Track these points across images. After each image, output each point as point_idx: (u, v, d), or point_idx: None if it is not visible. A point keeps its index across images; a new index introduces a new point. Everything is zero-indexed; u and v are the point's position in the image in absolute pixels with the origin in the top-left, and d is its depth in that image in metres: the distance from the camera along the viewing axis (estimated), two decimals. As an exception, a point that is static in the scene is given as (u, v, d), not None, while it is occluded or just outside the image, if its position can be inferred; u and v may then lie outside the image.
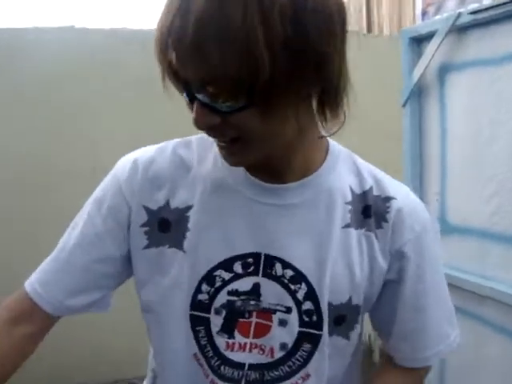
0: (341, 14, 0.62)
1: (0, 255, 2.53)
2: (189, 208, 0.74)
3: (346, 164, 0.78)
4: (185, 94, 0.62)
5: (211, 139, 0.70)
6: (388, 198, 0.76)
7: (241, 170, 0.74)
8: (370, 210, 0.75)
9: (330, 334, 0.76)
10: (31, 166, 2.63)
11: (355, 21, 4.06)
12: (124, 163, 0.78)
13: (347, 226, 0.74)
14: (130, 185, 0.76)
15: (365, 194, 0.76)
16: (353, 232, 0.75)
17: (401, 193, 0.78)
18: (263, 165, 0.72)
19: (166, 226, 0.75)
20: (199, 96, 0.60)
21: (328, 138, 0.76)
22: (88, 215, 0.77)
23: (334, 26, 0.60)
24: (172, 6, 0.57)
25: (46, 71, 2.56)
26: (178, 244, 0.74)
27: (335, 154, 0.77)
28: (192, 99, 0.61)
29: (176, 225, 0.75)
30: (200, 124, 0.62)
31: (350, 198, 0.75)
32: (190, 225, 0.74)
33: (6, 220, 2.58)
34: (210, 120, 0.61)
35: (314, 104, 0.66)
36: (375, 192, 0.76)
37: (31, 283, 0.78)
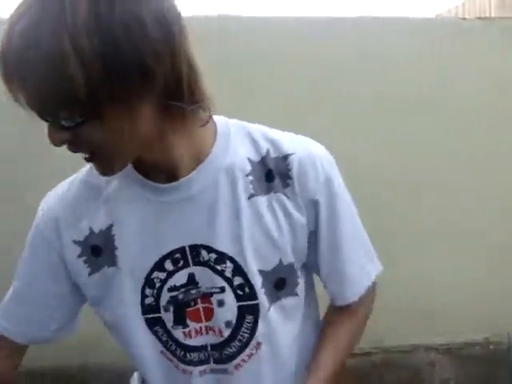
0: (162, 19, 0.63)
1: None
2: (110, 227, 0.80)
3: (239, 137, 0.81)
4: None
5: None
6: (286, 156, 0.79)
7: (141, 180, 0.79)
8: (273, 173, 0.79)
9: (274, 299, 0.81)
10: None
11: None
12: (40, 213, 0.84)
13: (252, 195, 0.78)
14: (51, 230, 0.82)
15: (263, 160, 0.80)
16: (260, 199, 0.79)
17: (298, 146, 0.81)
18: (154, 169, 0.77)
19: (98, 250, 0.81)
20: (46, 116, 0.65)
21: (216, 116, 0.79)
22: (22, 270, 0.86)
23: (151, 33, 0.61)
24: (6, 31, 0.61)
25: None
26: (113, 263, 0.80)
27: (225, 133, 0.80)
28: (43, 120, 0.66)
29: (105, 246, 0.80)
30: (52, 140, 0.66)
31: (249, 168, 0.79)
32: (116, 243, 0.80)
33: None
34: (60, 136, 0.66)
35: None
36: (273, 154, 0.80)
37: None
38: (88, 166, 0.82)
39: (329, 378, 0.86)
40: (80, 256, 0.81)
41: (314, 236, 0.84)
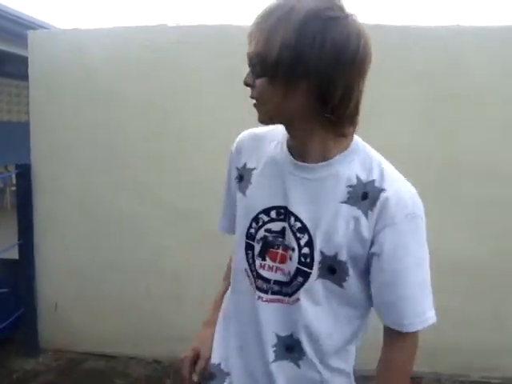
0: (356, 53, 0.91)
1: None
2: (253, 169, 1.13)
3: (361, 159, 1.02)
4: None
5: (281, 134, 1.09)
6: (382, 190, 0.98)
7: (285, 153, 1.08)
8: (368, 195, 0.99)
9: (323, 277, 1.02)
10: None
11: None
12: (234, 144, 1.22)
13: (344, 202, 1.00)
14: (232, 156, 1.21)
15: (368, 183, 1.00)
16: (346, 207, 0.99)
17: (393, 186, 0.99)
18: (294, 149, 1.05)
19: (241, 178, 1.16)
20: (248, 63, 0.96)
21: (358, 138, 1.05)
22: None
23: (342, 59, 0.91)
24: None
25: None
26: (243, 192, 1.14)
27: (354, 151, 1.03)
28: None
29: (246, 179, 1.14)
30: (244, 79, 0.98)
31: (354, 183, 1.00)
32: (252, 179, 1.13)
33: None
34: (247, 79, 0.98)
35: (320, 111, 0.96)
36: (377, 184, 0.99)
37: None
38: (275, 126, 1.11)
39: None
40: (235, 178, 1.18)
41: (373, 259, 0.99)
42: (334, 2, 0.92)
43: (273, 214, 1.07)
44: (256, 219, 1.09)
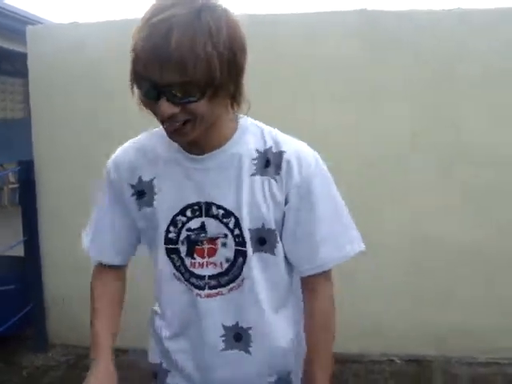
0: (244, 48, 0.95)
1: None
2: (153, 179, 1.11)
3: (253, 133, 1.09)
4: (151, 94, 0.91)
5: (157, 137, 1.11)
6: (281, 152, 1.07)
7: (179, 150, 1.08)
8: (270, 162, 1.07)
9: (257, 250, 1.08)
10: None
11: None
12: (109, 164, 1.16)
13: (253, 174, 1.06)
14: (118, 175, 1.14)
15: (266, 152, 1.07)
16: (257, 178, 1.06)
17: (291, 148, 1.08)
18: (192, 144, 1.04)
19: (143, 193, 1.12)
20: (167, 95, 0.89)
21: (241, 116, 1.09)
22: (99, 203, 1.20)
23: (244, 47, 0.95)
24: (154, 34, 0.86)
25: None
26: (151, 204, 1.10)
27: (243, 129, 1.08)
28: (158, 97, 0.91)
29: (147, 192, 1.11)
30: (166, 114, 0.92)
31: (256, 155, 1.07)
32: (155, 189, 1.10)
33: None
34: (174, 110, 0.91)
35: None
36: (274, 150, 1.08)
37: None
38: (140, 135, 1.16)
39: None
40: (132, 196, 1.12)
41: (286, 214, 1.09)
42: None
43: (188, 212, 1.08)
44: (173, 223, 1.09)
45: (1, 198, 9.77)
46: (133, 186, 1.12)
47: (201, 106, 0.92)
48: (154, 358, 1.26)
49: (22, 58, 3.21)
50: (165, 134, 1.01)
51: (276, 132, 1.11)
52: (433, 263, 2.89)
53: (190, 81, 0.87)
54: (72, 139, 3.16)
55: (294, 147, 1.08)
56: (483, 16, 2.79)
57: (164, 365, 1.24)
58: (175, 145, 1.07)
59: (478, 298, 2.89)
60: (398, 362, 2.98)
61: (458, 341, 2.94)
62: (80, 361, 3.16)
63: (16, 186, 10.12)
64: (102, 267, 1.24)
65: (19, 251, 3.24)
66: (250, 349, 1.13)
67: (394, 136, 2.86)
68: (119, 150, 1.17)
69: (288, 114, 2.80)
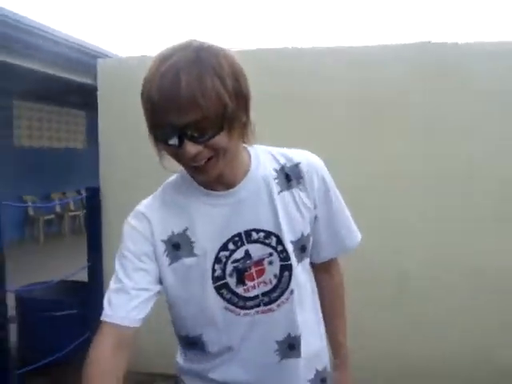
0: (247, 86, 1.02)
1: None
2: (186, 229, 1.11)
3: (264, 156, 1.16)
4: (173, 139, 0.96)
5: (177, 181, 1.15)
6: (296, 165, 1.16)
7: (203, 191, 1.11)
8: (290, 176, 1.15)
9: (300, 260, 1.16)
10: None
11: None
12: (137, 219, 1.13)
13: (280, 191, 1.14)
14: (147, 230, 1.12)
15: (282, 169, 1.16)
16: (286, 193, 1.14)
17: (302, 158, 1.17)
18: (216, 180, 1.08)
19: (177, 246, 1.11)
20: (188, 136, 0.95)
21: (250, 146, 1.14)
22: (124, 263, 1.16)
23: (245, 75, 1.01)
24: (164, 82, 0.93)
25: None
26: (192, 254, 1.11)
27: (255, 154, 1.15)
28: (181, 141, 0.95)
29: (183, 243, 1.11)
30: (192, 155, 0.96)
31: (275, 175, 1.15)
32: (193, 238, 1.11)
33: None
34: (198, 149, 0.96)
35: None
36: (288, 164, 1.16)
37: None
38: (161, 188, 1.16)
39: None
40: (165, 251, 1.10)
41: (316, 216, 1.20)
42: (194, 39, 1.00)
43: (230, 246, 1.11)
44: (217, 260, 1.11)
45: (61, 226, 10.09)
46: (165, 242, 1.11)
47: (221, 140, 0.97)
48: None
49: (86, 89, 3.32)
50: (184, 180, 1.11)
51: (282, 150, 1.20)
52: None
53: (205, 116, 0.93)
54: (139, 170, 3.23)
55: (303, 157, 1.18)
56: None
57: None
58: (198, 188, 1.11)
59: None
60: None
61: None
62: (137, 388, 3.15)
63: (76, 213, 10.51)
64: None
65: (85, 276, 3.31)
66: (301, 353, 1.20)
67: (459, 162, 2.80)
68: (143, 212, 1.14)
69: (354, 149, 2.80)
